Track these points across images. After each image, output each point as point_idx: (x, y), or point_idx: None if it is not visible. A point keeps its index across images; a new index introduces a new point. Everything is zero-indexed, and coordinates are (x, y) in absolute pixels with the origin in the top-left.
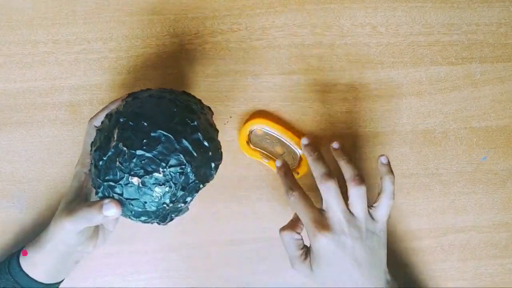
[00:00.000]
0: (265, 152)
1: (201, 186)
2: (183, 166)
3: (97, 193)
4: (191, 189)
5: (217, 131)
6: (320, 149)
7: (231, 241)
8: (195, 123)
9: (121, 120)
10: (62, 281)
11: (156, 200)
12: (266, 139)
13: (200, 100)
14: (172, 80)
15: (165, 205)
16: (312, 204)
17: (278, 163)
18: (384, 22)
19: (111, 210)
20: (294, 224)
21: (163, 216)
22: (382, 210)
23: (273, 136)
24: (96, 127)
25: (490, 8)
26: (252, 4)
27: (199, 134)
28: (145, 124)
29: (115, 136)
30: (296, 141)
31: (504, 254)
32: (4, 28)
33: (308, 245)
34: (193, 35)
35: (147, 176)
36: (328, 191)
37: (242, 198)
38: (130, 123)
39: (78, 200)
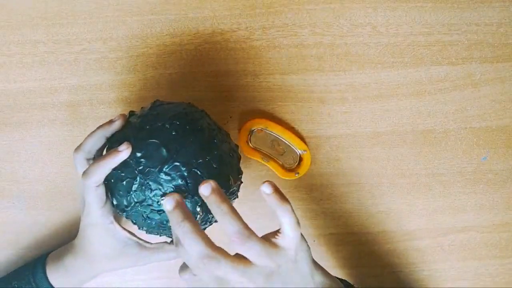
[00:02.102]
0: (265, 152)
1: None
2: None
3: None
4: None
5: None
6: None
7: (231, 240)
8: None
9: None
10: None
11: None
12: (266, 139)
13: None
14: (172, 80)
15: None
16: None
17: (169, 204)
18: (384, 22)
19: None
20: None
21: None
22: (290, 240)
23: (273, 136)
24: (97, 186)
25: (490, 8)
26: (252, 4)
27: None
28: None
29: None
30: (296, 141)
31: (504, 254)
32: (4, 28)
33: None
34: (193, 35)
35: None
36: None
37: (241, 198)
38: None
39: (132, 246)
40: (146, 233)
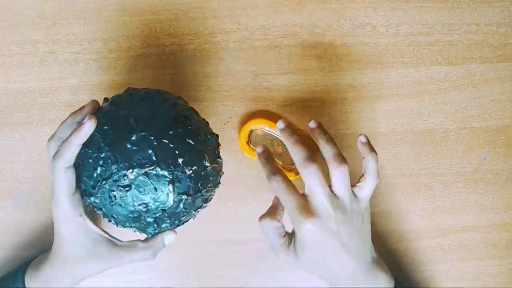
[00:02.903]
0: None
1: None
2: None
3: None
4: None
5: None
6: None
7: (231, 241)
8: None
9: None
10: None
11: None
12: (266, 139)
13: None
14: (172, 80)
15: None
16: (295, 189)
17: (259, 149)
18: (384, 22)
19: (172, 236)
20: (273, 211)
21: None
22: (366, 190)
23: (273, 136)
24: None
25: (490, 8)
26: (252, 4)
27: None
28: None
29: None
30: None
31: (504, 254)
32: (4, 28)
33: (290, 231)
34: (193, 35)
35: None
36: (310, 175)
37: (242, 198)
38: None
39: (102, 244)
40: (117, 225)
